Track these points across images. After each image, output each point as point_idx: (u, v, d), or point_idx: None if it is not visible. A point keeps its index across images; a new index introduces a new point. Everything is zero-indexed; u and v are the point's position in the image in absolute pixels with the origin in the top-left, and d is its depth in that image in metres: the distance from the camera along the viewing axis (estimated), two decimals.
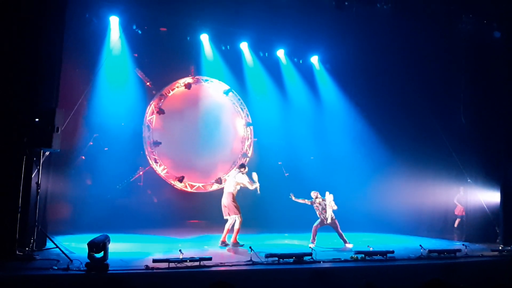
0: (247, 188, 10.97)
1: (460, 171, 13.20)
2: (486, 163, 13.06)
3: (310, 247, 10.25)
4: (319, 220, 11.00)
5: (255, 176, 11.02)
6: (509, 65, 12.81)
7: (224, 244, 10.57)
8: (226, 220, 10.70)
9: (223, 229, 10.68)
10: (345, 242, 10.98)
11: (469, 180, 13.09)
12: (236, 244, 10.50)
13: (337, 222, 11.01)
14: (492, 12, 12.86)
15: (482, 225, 12.86)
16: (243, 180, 10.86)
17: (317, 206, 11.05)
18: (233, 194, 10.81)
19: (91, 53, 13.42)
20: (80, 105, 12.50)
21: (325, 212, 10.93)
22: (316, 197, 11.08)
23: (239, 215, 10.59)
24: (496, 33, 13.16)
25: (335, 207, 10.96)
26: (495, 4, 12.37)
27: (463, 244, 10.43)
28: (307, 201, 11.15)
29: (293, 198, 11.13)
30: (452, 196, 13.71)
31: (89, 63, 13.35)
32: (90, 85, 13.08)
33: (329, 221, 10.92)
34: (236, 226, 10.58)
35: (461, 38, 13.28)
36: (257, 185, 10.90)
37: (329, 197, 11.01)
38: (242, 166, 11.29)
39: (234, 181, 10.89)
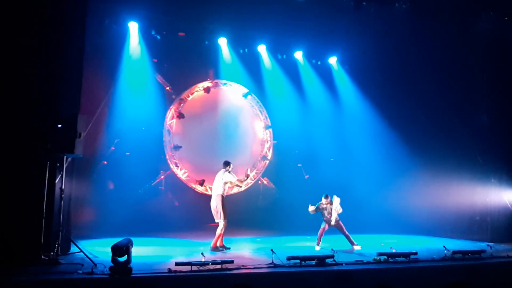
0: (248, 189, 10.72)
1: (484, 171, 12.99)
2: (510, 162, 12.84)
3: (316, 249, 10.46)
4: (324, 223, 10.99)
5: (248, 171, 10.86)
6: None
7: (215, 249, 10.17)
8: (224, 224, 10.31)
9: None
10: (352, 243, 10.88)
11: (492, 180, 12.88)
12: (216, 248, 10.09)
13: (341, 224, 10.97)
14: None
15: (507, 225, 12.65)
16: (231, 178, 10.46)
17: (324, 209, 10.99)
18: (222, 196, 10.36)
19: (111, 59, 13.57)
20: (102, 110, 12.67)
21: (330, 216, 10.88)
22: (327, 202, 10.98)
23: (224, 221, 10.21)
24: None
25: (341, 211, 10.92)
26: None
27: (488, 245, 10.26)
28: (314, 209, 10.95)
29: (312, 208, 10.92)
30: (476, 196, 13.46)
31: (109, 68, 13.51)
32: (110, 91, 13.24)
33: (333, 223, 10.88)
34: (219, 231, 10.21)
35: (481, 35, 13.10)
36: (246, 179, 10.77)
37: (336, 200, 10.95)
38: (227, 163, 10.66)
39: (222, 181, 10.46)
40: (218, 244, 10.28)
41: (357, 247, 10.77)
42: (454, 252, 9.51)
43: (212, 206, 10.45)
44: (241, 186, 10.97)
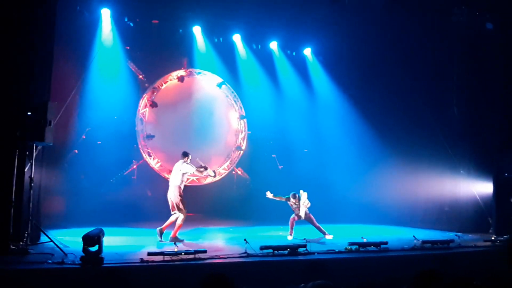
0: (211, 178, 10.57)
1: (453, 163, 13.26)
2: (479, 154, 13.11)
3: (288, 239, 10.59)
4: (294, 214, 11.11)
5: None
6: (501, 57, 12.85)
7: (162, 233, 9.92)
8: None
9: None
10: (324, 234, 11.00)
11: (462, 172, 13.16)
12: (175, 239, 9.84)
13: (312, 216, 11.08)
14: (484, 4, 12.87)
15: (475, 216, 12.95)
16: (190, 169, 10.30)
17: (291, 204, 11.12)
18: (180, 188, 10.20)
19: (83, 46, 13.30)
20: (73, 98, 12.45)
21: (299, 210, 10.99)
22: (294, 199, 11.03)
23: (183, 211, 10.09)
24: (488, 24, 13.18)
25: (309, 205, 11.02)
26: None
27: (456, 235, 10.50)
28: (282, 198, 11.15)
29: (270, 196, 11.11)
30: (445, 187, 13.73)
31: (81, 56, 13.24)
32: (82, 79, 13.01)
33: (303, 216, 11.00)
34: (179, 222, 10.05)
35: (453, 30, 13.27)
36: (209, 171, 10.59)
37: (303, 195, 11.04)
38: (186, 154, 10.42)
39: (180, 173, 10.25)
40: (171, 235, 10.01)
41: (329, 237, 10.89)
42: (424, 242, 9.67)
43: (169, 197, 10.26)
44: (200, 177, 10.70)
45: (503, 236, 11.26)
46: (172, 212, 10.25)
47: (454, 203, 13.22)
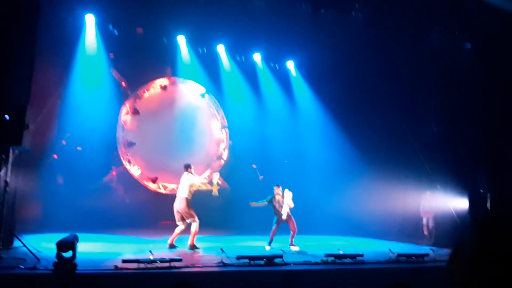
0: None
1: (430, 177, 13.44)
2: (455, 170, 13.30)
3: (267, 249, 10.64)
4: (276, 220, 11.11)
5: (216, 176, 11.00)
6: (479, 75, 13.12)
7: (172, 246, 10.28)
8: (188, 224, 10.41)
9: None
10: (291, 244, 11.07)
11: (438, 186, 13.35)
12: (193, 247, 10.21)
13: (293, 219, 11.12)
14: (462, 24, 13.15)
15: (450, 231, 13.12)
16: (196, 180, 10.58)
17: (276, 202, 11.13)
18: (187, 199, 10.43)
19: (66, 52, 13.30)
20: (53, 104, 12.39)
21: (281, 208, 11.03)
22: (277, 193, 11.16)
23: (195, 218, 10.34)
24: (467, 43, 13.48)
25: (292, 205, 11.08)
26: (465, 15, 12.65)
27: (431, 249, 10.64)
28: (265, 202, 11.20)
29: (255, 204, 11.18)
30: (421, 202, 13.93)
31: (64, 61, 13.23)
32: (63, 84, 12.96)
33: (284, 217, 11.01)
34: (193, 229, 10.30)
35: (432, 48, 13.53)
36: (214, 186, 10.83)
37: (288, 194, 11.12)
38: (188, 166, 10.76)
39: (187, 184, 10.50)
40: (189, 243, 10.32)
41: (295, 248, 10.93)
42: (399, 255, 9.75)
43: (175, 208, 10.46)
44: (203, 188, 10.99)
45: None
46: (177, 223, 10.42)
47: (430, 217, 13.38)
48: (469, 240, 0.99)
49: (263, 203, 11.22)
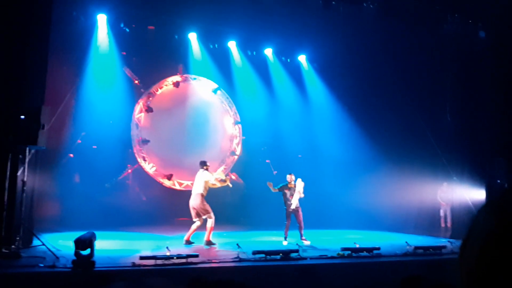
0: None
1: (446, 169, 13.32)
2: (471, 161, 13.16)
3: (284, 244, 10.60)
4: (286, 214, 11.11)
5: (219, 170, 11.02)
6: (494, 64, 12.95)
7: (189, 242, 10.31)
8: (204, 220, 10.44)
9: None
10: (301, 236, 11.03)
11: (454, 178, 13.21)
12: (209, 242, 10.24)
13: (300, 212, 11.07)
14: (477, 12, 12.98)
15: (467, 222, 12.97)
16: (211, 177, 10.63)
17: (287, 190, 11.11)
18: (202, 195, 10.48)
19: (79, 51, 13.38)
20: (68, 103, 12.47)
21: (292, 197, 11.00)
22: (291, 181, 11.15)
23: (211, 214, 10.36)
24: (481, 32, 13.30)
25: (302, 195, 11.05)
26: (479, 4, 12.49)
27: (448, 241, 10.54)
28: (276, 189, 11.15)
29: (269, 184, 11.10)
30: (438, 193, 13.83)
31: (77, 61, 13.31)
32: (77, 83, 13.05)
33: (293, 207, 10.98)
34: (209, 225, 10.34)
35: (446, 37, 13.38)
36: (227, 179, 10.90)
37: (300, 184, 11.09)
38: (204, 163, 10.86)
39: (202, 181, 10.58)
40: (205, 239, 10.34)
41: (306, 242, 10.89)
42: (416, 248, 9.71)
43: (191, 205, 10.50)
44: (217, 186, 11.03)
45: None
46: (193, 220, 10.45)
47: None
48: (482, 224, 0.96)
49: (277, 189, 11.16)
